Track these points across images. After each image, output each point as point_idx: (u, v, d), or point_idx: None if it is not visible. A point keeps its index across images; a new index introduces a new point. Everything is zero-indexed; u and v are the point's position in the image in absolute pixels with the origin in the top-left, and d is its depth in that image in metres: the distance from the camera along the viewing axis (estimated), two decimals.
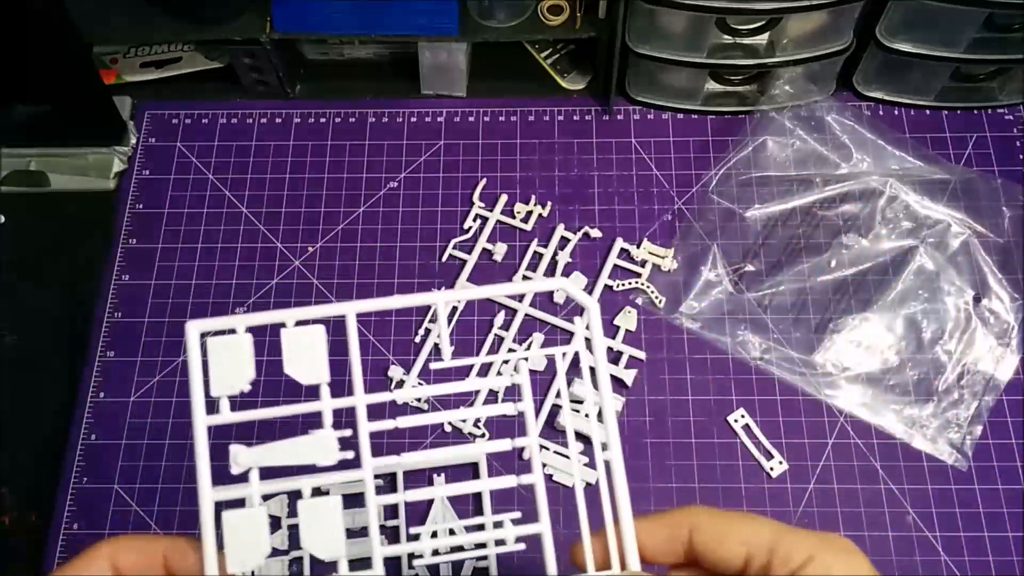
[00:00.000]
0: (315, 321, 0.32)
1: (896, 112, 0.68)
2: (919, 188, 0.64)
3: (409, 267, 0.63)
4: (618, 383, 0.59)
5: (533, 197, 0.65)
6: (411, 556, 0.56)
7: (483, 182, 0.66)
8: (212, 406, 0.31)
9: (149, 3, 0.65)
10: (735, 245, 0.63)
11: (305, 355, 0.32)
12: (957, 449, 0.57)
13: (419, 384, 0.59)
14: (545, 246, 0.63)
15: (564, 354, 0.33)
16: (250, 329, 0.31)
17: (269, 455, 0.31)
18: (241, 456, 0.31)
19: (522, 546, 0.32)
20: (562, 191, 0.65)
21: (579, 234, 0.64)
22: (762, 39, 0.64)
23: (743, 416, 0.58)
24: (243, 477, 0.31)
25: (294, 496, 0.31)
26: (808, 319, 0.60)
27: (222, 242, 0.65)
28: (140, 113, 0.70)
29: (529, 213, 0.65)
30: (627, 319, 0.60)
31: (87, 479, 0.57)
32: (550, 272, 0.63)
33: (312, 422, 0.31)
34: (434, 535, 0.31)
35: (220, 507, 0.31)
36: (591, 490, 0.33)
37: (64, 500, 0.57)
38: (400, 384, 0.59)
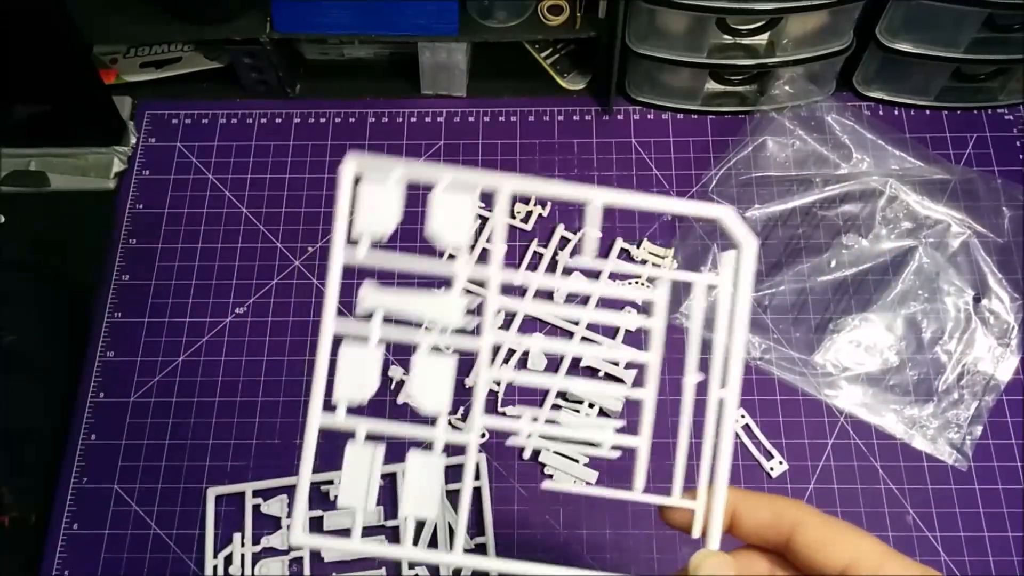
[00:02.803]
0: (469, 188, 0.31)
1: (896, 112, 0.68)
2: (919, 188, 0.64)
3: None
4: (618, 383, 0.59)
5: (533, 197, 0.65)
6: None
7: None
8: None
9: (149, 3, 0.65)
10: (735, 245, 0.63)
11: (451, 219, 0.31)
12: (957, 449, 0.57)
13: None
14: (545, 246, 0.63)
15: (704, 285, 0.33)
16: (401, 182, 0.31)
17: (396, 301, 0.31)
18: (368, 297, 0.31)
19: (617, 453, 0.32)
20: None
21: (579, 234, 0.64)
22: (762, 39, 0.64)
23: (743, 416, 0.58)
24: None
25: (402, 353, 0.32)
26: (808, 319, 0.60)
27: (222, 242, 0.65)
28: (140, 113, 0.70)
29: (529, 213, 0.65)
30: (627, 319, 0.60)
31: (87, 479, 0.57)
32: (550, 272, 0.63)
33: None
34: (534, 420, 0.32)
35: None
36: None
37: (64, 500, 0.57)
38: (400, 384, 0.59)
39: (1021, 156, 0.66)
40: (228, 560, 0.55)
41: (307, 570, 0.54)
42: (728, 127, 0.68)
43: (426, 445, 0.33)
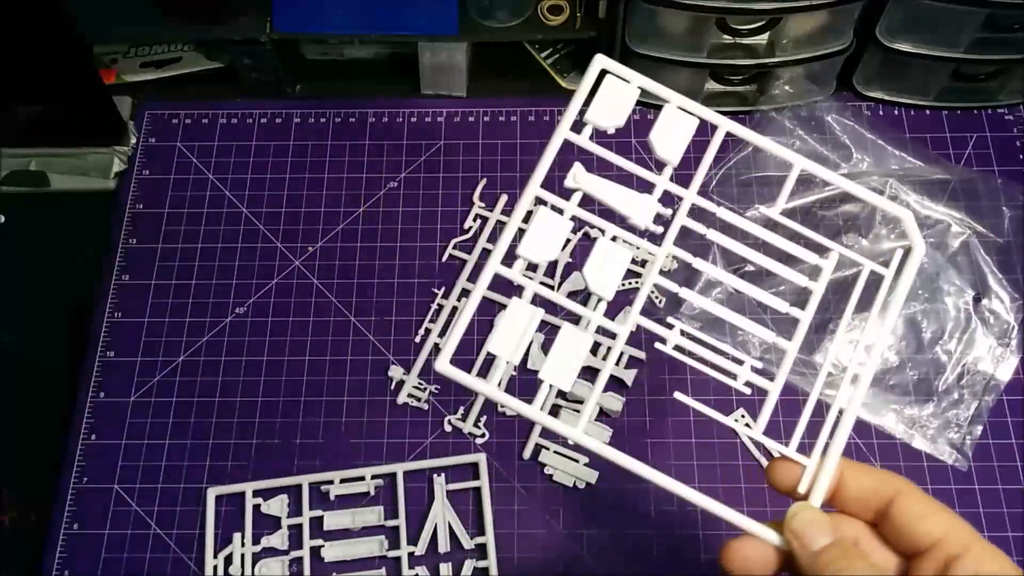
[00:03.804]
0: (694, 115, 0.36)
1: (896, 112, 0.68)
2: (919, 188, 0.64)
3: (409, 267, 0.63)
4: (618, 383, 0.59)
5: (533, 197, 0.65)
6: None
7: (483, 182, 0.66)
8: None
9: (149, 3, 0.65)
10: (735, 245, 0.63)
11: (672, 135, 0.35)
12: (957, 449, 0.57)
13: (419, 384, 0.59)
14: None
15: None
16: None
17: (601, 187, 0.35)
18: (580, 176, 0.35)
19: (748, 390, 0.34)
20: (562, 191, 0.65)
21: (579, 234, 0.64)
22: (762, 39, 0.64)
23: (743, 416, 0.58)
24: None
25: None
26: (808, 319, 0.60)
27: (222, 242, 0.65)
28: (140, 113, 0.70)
29: (529, 213, 0.65)
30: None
31: (87, 479, 0.57)
32: (550, 272, 0.63)
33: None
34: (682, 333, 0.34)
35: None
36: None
37: (64, 500, 0.57)
38: (400, 384, 0.59)
39: (1021, 156, 0.66)
40: (228, 560, 0.55)
41: (307, 570, 0.54)
42: None
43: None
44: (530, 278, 0.33)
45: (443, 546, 0.55)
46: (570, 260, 0.63)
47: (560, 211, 0.35)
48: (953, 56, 0.63)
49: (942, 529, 0.31)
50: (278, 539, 0.55)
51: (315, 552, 0.54)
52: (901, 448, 0.57)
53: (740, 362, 0.34)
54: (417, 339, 0.61)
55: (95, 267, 0.64)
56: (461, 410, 0.59)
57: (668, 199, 0.35)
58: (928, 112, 0.68)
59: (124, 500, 0.57)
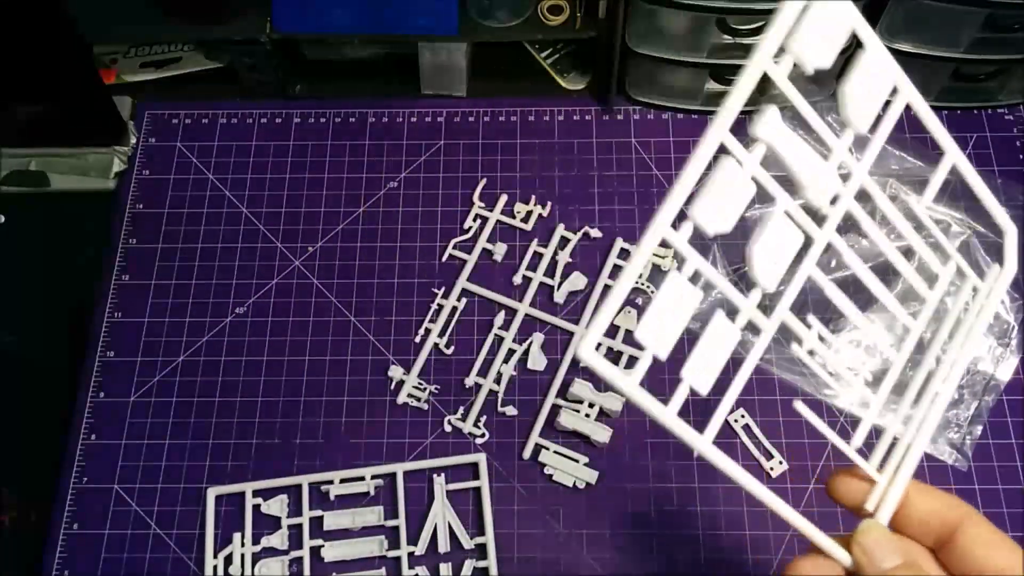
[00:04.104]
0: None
1: None
2: (919, 188, 0.64)
3: (409, 267, 0.63)
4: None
5: (533, 197, 0.65)
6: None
7: (483, 182, 0.66)
8: None
9: (149, 3, 0.65)
10: (735, 245, 0.63)
11: (867, 98, 0.31)
12: (957, 449, 0.57)
13: (419, 384, 0.59)
14: (545, 246, 0.63)
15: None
16: None
17: (790, 145, 0.31)
18: (775, 120, 0.30)
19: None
20: (562, 191, 0.66)
21: (579, 234, 0.64)
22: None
23: (743, 416, 0.58)
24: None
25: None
26: (808, 319, 0.60)
27: (222, 242, 0.65)
28: (140, 113, 0.70)
29: (529, 213, 0.65)
30: (627, 319, 0.60)
31: (87, 479, 0.57)
32: (550, 272, 0.62)
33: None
34: (807, 328, 0.31)
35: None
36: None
37: (64, 500, 0.57)
38: (400, 384, 0.59)
39: (1021, 156, 0.66)
40: (228, 560, 0.55)
41: (307, 570, 0.54)
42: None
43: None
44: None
45: (443, 546, 0.55)
46: (570, 260, 0.63)
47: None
48: (953, 56, 0.63)
49: (1008, 561, 0.30)
50: (278, 539, 0.55)
51: (315, 552, 0.54)
52: None
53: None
54: (417, 339, 0.61)
55: (95, 267, 0.64)
56: (461, 410, 0.59)
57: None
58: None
59: (124, 500, 0.57)
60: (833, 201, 0.31)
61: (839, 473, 0.33)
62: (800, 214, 0.30)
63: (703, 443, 0.28)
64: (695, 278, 0.28)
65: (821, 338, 0.32)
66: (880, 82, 0.30)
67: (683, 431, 0.28)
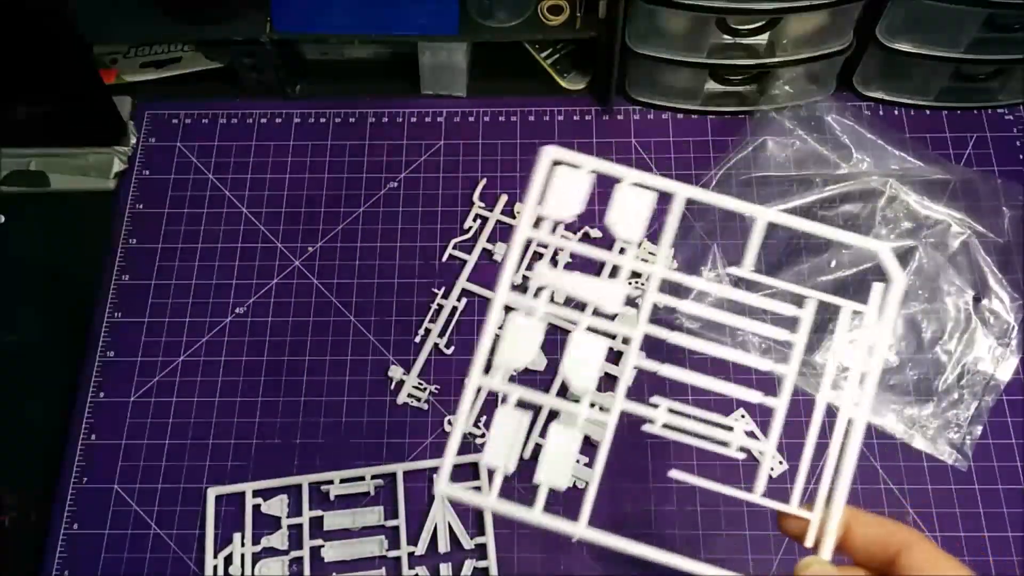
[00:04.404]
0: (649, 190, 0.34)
1: (896, 112, 0.68)
2: (919, 188, 0.64)
3: (409, 267, 0.63)
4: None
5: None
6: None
7: (483, 182, 0.66)
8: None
9: (149, 3, 0.65)
10: (735, 245, 0.63)
11: (629, 213, 0.33)
12: (957, 449, 0.57)
13: (419, 384, 0.59)
14: (545, 246, 0.63)
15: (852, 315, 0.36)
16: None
17: (566, 281, 0.33)
18: (544, 274, 0.33)
19: (743, 455, 0.33)
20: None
21: (579, 234, 0.63)
22: (762, 39, 0.64)
23: (743, 416, 0.58)
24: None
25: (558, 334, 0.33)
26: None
27: (222, 242, 0.65)
28: (140, 113, 0.70)
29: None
30: (627, 320, 0.60)
31: (87, 479, 0.57)
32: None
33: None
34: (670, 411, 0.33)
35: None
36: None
37: (64, 500, 0.57)
38: (400, 384, 0.59)
39: (1021, 156, 0.66)
40: (228, 560, 0.55)
41: (307, 570, 0.54)
42: (728, 127, 0.68)
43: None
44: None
45: (443, 546, 0.55)
46: (570, 260, 0.63)
47: (531, 312, 0.34)
48: (953, 56, 0.63)
49: None
50: (278, 539, 0.55)
51: (315, 552, 0.54)
52: (901, 448, 0.57)
53: (730, 428, 0.33)
54: (417, 339, 0.61)
55: (95, 267, 0.64)
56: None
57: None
58: (928, 112, 0.68)
59: (124, 500, 0.57)
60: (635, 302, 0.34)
61: (780, 515, 0.34)
62: (605, 323, 0.34)
63: (579, 529, 0.32)
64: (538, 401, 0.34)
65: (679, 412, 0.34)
66: (639, 200, 0.33)
67: (555, 524, 0.33)
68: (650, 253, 0.63)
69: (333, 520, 0.55)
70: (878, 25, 0.62)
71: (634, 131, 0.68)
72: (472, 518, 0.56)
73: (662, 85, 0.67)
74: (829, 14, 0.61)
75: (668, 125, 0.68)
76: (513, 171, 0.67)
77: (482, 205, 0.65)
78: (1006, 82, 0.66)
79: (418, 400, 0.59)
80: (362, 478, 0.56)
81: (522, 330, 0.33)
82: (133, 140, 0.68)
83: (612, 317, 0.35)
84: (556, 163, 0.33)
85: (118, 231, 0.65)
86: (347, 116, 0.69)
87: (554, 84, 0.70)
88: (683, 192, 0.33)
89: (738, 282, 0.36)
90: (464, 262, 0.63)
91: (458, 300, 0.62)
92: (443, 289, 0.62)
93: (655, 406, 0.33)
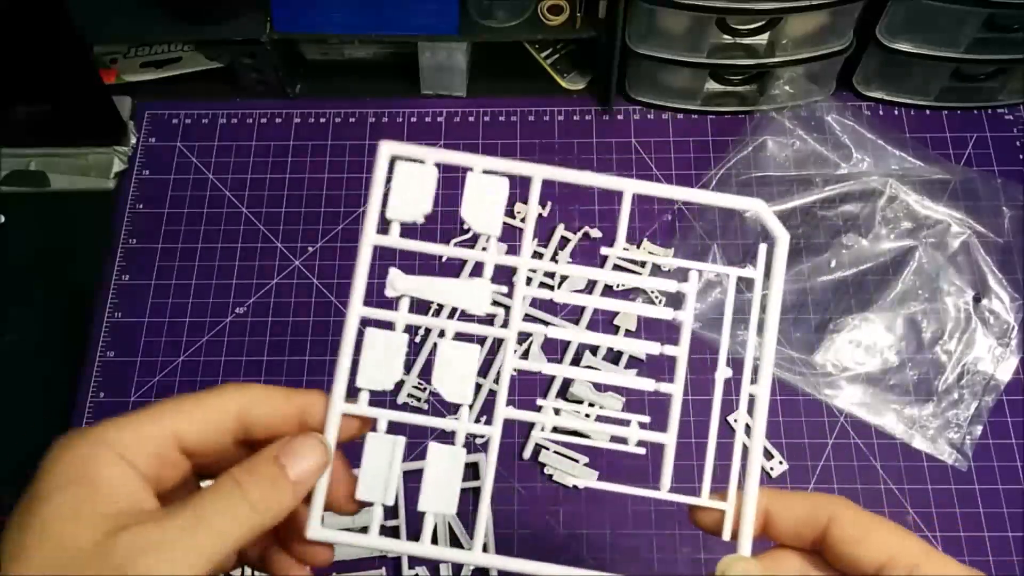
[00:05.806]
0: (501, 174, 0.32)
1: (896, 112, 0.68)
2: (919, 188, 0.64)
3: (409, 267, 0.63)
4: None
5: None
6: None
7: None
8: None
9: (149, 3, 0.65)
10: (735, 245, 0.63)
11: (484, 204, 0.31)
12: (957, 449, 0.57)
13: (419, 384, 0.59)
14: (545, 246, 0.63)
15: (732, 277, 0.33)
16: (438, 166, 0.32)
17: (425, 287, 0.32)
18: (399, 282, 0.31)
19: (642, 450, 0.32)
20: (562, 191, 0.65)
21: (579, 234, 0.64)
22: (762, 39, 0.64)
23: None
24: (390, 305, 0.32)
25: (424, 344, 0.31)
26: (808, 319, 0.60)
27: (222, 242, 0.65)
28: (140, 113, 0.70)
29: None
30: (627, 319, 0.60)
31: None
32: (550, 272, 0.63)
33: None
34: (556, 412, 0.32)
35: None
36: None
37: None
38: (400, 384, 0.59)
39: (1021, 156, 0.66)
40: None
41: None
42: (728, 127, 0.68)
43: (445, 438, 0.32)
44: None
45: (442, 544, 0.55)
46: (570, 260, 0.63)
47: (391, 324, 0.32)
48: (953, 56, 0.63)
49: (886, 552, 0.29)
50: None
51: None
52: (901, 448, 0.57)
53: (626, 423, 0.32)
54: (417, 339, 0.61)
55: (95, 267, 0.64)
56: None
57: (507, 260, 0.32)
58: (928, 112, 0.68)
59: None
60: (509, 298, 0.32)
61: (692, 509, 0.31)
62: (474, 327, 0.32)
63: (476, 558, 0.32)
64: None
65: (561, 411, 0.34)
66: (493, 188, 0.32)
67: (447, 555, 0.33)
68: (649, 252, 0.63)
69: (333, 520, 0.55)
70: (878, 25, 0.62)
71: (634, 131, 0.68)
72: (471, 518, 0.56)
73: (662, 85, 0.67)
74: (829, 14, 0.61)
75: (668, 125, 0.68)
76: None
77: None
78: (1006, 82, 0.66)
79: (418, 400, 0.59)
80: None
81: (382, 344, 0.31)
82: (133, 140, 0.68)
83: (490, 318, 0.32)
84: (396, 158, 0.31)
85: (118, 231, 0.65)
86: (347, 116, 0.69)
87: (554, 84, 0.70)
88: (540, 173, 0.32)
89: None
90: (464, 262, 0.63)
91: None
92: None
93: (539, 408, 0.32)
